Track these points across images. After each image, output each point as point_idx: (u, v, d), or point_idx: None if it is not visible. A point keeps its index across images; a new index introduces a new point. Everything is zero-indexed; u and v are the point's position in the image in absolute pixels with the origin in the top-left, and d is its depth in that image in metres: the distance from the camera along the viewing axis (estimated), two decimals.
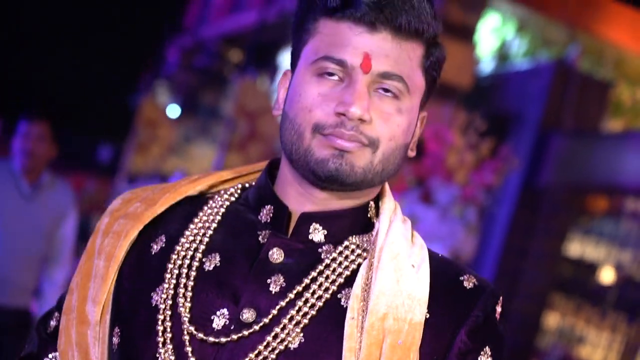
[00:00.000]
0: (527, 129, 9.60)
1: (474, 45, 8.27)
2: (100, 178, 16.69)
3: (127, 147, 13.83)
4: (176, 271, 1.24)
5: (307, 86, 1.22)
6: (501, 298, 1.26)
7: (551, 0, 10.69)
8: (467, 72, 7.67)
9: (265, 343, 1.17)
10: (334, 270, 1.23)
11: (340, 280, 1.22)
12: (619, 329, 8.57)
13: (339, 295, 1.21)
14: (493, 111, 9.18)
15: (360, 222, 1.28)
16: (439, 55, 1.27)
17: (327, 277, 1.22)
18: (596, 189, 9.30)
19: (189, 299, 1.21)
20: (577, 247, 9.54)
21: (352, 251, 1.25)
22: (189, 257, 1.25)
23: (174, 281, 1.23)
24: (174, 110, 13.90)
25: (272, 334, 1.17)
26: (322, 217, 1.25)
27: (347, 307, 1.18)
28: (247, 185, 1.36)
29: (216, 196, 1.34)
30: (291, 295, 1.20)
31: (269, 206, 1.27)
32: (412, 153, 1.30)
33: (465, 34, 7.91)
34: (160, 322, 1.21)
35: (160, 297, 1.23)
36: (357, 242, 1.26)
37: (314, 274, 1.22)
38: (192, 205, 1.32)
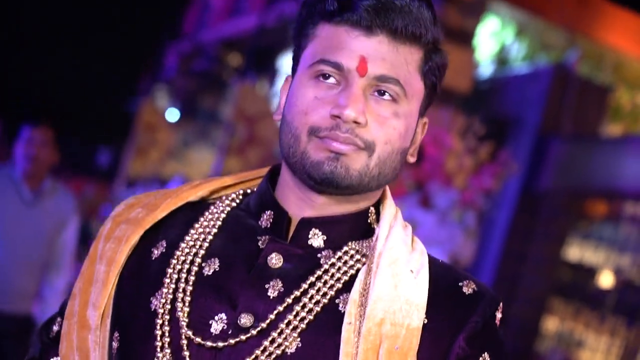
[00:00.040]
0: (526, 133, 9.61)
1: (473, 49, 8.28)
2: (99, 182, 16.70)
3: (126, 151, 13.84)
4: (175, 276, 1.25)
5: (304, 89, 1.22)
6: (501, 304, 1.26)
7: (550, 4, 10.70)
8: (466, 76, 7.67)
9: (262, 348, 1.17)
10: (333, 275, 1.23)
11: (339, 285, 1.22)
12: (618, 333, 8.56)
13: (337, 301, 1.21)
14: (492, 115, 9.18)
15: (360, 227, 1.28)
16: (439, 60, 1.27)
17: (325, 282, 1.22)
18: (595, 193, 9.30)
19: (187, 304, 1.21)
20: (576, 252, 9.55)
21: (352, 257, 1.25)
22: (188, 262, 1.26)
23: (173, 286, 1.24)
24: (173, 115, 13.92)
25: (270, 338, 1.17)
26: (321, 223, 1.25)
27: (344, 312, 1.18)
28: (248, 191, 1.37)
29: (217, 202, 1.34)
30: (289, 300, 1.19)
31: (269, 211, 1.28)
32: (412, 159, 1.30)
33: (464, 38, 7.92)
34: (158, 327, 1.21)
35: (159, 302, 1.23)
36: (357, 248, 1.26)
37: (312, 279, 1.22)
38: (193, 211, 1.33)
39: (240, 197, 1.35)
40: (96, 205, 12.96)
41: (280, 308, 1.19)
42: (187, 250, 1.27)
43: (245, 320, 1.19)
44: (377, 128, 1.20)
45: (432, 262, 1.26)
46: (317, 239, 1.25)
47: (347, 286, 1.22)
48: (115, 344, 1.25)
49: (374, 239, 1.25)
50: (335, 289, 1.21)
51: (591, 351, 8.95)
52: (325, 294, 1.21)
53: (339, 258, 1.24)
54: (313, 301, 1.20)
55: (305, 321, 1.18)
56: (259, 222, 1.28)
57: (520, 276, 9.38)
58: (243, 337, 1.17)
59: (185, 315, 1.20)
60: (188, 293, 1.22)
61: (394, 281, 1.19)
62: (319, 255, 1.24)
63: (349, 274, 1.23)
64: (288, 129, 1.23)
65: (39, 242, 4.14)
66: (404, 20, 1.19)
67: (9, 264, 4.04)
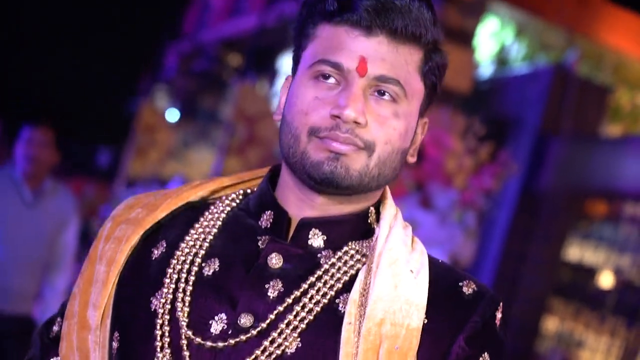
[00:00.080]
0: (525, 133, 9.61)
1: (472, 49, 8.28)
2: (99, 183, 16.69)
3: (125, 151, 13.84)
4: (175, 276, 1.25)
5: (304, 90, 1.22)
6: (501, 304, 1.25)
7: (550, 4, 10.70)
8: (465, 77, 7.67)
9: (262, 348, 1.17)
10: (333, 275, 1.23)
11: (339, 285, 1.22)
12: (618, 333, 8.56)
13: (336, 301, 1.21)
14: (492, 116, 9.18)
15: (360, 228, 1.28)
16: (439, 61, 1.27)
17: (325, 283, 1.22)
18: (595, 193, 9.30)
19: (187, 304, 1.22)
20: (576, 252, 9.55)
21: (352, 257, 1.25)
22: (188, 262, 1.26)
23: (173, 286, 1.24)
24: (173, 115, 13.92)
25: (269, 338, 1.17)
26: (321, 223, 1.25)
27: (344, 312, 1.18)
28: (248, 191, 1.37)
29: (217, 202, 1.34)
30: (289, 300, 1.19)
31: (269, 212, 1.28)
32: (412, 159, 1.30)
33: (464, 38, 7.92)
34: (158, 327, 1.21)
35: (159, 302, 1.23)
36: (357, 248, 1.26)
37: (312, 279, 1.22)
38: (194, 211, 1.33)
39: (241, 197, 1.35)
40: (96, 206, 12.96)
41: (280, 308, 1.19)
42: (187, 250, 1.27)
43: (245, 320, 1.19)
44: (377, 128, 1.20)
45: (432, 263, 1.26)
46: (317, 239, 1.25)
47: (347, 286, 1.22)
48: (115, 344, 1.25)
49: (374, 239, 1.25)
50: (335, 289, 1.21)
51: (591, 351, 8.95)
52: (325, 294, 1.21)
53: (339, 258, 1.24)
54: (313, 301, 1.20)
55: (305, 321, 1.18)
56: (259, 222, 1.28)
57: (520, 276, 9.38)
58: (243, 337, 1.17)
59: (185, 315, 1.20)
60: (188, 293, 1.22)
61: (394, 281, 1.19)
62: (319, 255, 1.24)
63: (349, 274, 1.23)
64: (288, 129, 1.23)
65: (40, 242, 4.14)
66: (403, 20, 1.19)
67: (9, 265, 4.03)
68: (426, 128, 1.33)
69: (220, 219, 1.31)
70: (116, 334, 1.25)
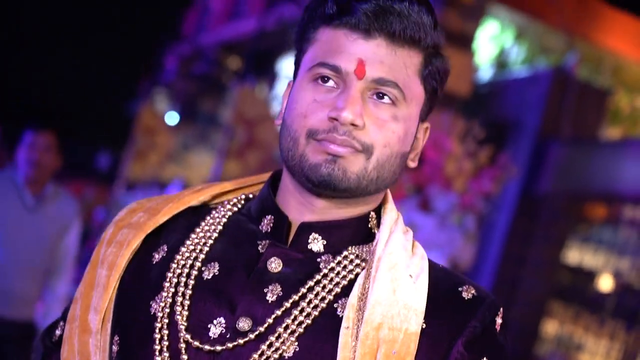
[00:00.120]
0: (525, 136, 9.61)
1: (472, 52, 8.28)
2: (99, 185, 16.71)
3: (125, 154, 13.83)
4: (175, 280, 1.25)
5: (303, 93, 1.23)
6: (501, 309, 1.25)
7: (549, 8, 10.71)
8: (465, 80, 7.67)
9: (260, 352, 1.17)
10: (332, 280, 1.23)
11: (337, 289, 1.22)
12: (617, 336, 8.56)
13: (335, 305, 1.21)
14: (491, 119, 9.19)
15: (360, 232, 1.28)
16: (440, 65, 1.27)
17: (324, 287, 1.22)
18: (594, 196, 9.30)
19: (186, 308, 1.22)
20: (575, 255, 9.55)
21: (351, 261, 1.25)
22: (188, 266, 1.26)
23: (172, 290, 1.24)
24: (172, 118, 13.91)
25: (267, 342, 1.17)
26: (321, 227, 1.26)
27: (342, 316, 1.18)
28: (250, 195, 1.37)
29: (219, 207, 1.35)
30: (287, 305, 1.20)
31: (269, 216, 1.28)
32: (412, 164, 1.30)
33: (464, 41, 7.92)
34: (157, 330, 1.21)
35: (159, 306, 1.23)
36: (357, 252, 1.26)
37: (311, 283, 1.22)
38: (195, 216, 1.34)
39: (242, 202, 1.36)
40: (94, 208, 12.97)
41: (279, 312, 1.19)
42: (187, 254, 1.27)
43: (244, 324, 1.19)
44: (376, 131, 1.20)
45: (432, 267, 1.26)
46: (316, 243, 1.25)
47: (346, 291, 1.22)
48: (115, 348, 1.25)
49: (374, 243, 1.25)
50: (334, 293, 1.22)
51: (590, 354, 8.94)
52: (323, 299, 1.21)
53: (339, 263, 1.24)
54: (311, 305, 1.20)
55: (303, 325, 1.19)
56: (260, 227, 1.28)
57: (519, 279, 9.38)
58: (241, 341, 1.17)
59: (184, 319, 1.21)
60: (187, 297, 1.23)
61: (392, 286, 1.19)
62: (318, 259, 1.24)
63: (348, 279, 1.23)
64: (287, 132, 1.23)
65: (41, 247, 4.12)
66: (402, 23, 1.20)
67: (10, 269, 4.02)
68: (428, 133, 1.32)
69: (222, 223, 1.31)
70: (116, 338, 1.26)
